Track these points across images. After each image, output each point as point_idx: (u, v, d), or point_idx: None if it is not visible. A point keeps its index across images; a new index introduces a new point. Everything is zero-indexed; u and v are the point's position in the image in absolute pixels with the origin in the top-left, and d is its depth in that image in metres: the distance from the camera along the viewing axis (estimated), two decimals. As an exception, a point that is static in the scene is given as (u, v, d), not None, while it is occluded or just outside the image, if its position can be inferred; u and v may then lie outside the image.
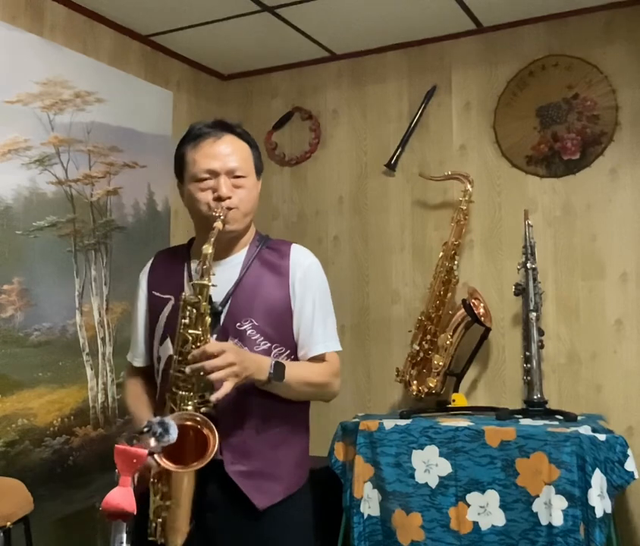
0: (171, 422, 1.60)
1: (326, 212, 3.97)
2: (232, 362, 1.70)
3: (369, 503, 3.14)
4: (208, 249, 1.75)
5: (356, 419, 3.30)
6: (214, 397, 1.69)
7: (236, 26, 3.52)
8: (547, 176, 3.51)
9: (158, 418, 1.60)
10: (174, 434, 1.58)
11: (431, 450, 3.06)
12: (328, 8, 3.36)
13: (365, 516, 3.13)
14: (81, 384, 3.17)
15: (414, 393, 3.44)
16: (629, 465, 2.82)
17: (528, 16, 3.50)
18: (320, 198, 3.99)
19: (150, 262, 2.05)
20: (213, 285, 1.77)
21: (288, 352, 1.89)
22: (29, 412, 2.92)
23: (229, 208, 1.85)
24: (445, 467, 3.02)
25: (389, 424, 3.15)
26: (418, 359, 3.45)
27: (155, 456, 1.63)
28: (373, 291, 3.84)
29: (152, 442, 1.58)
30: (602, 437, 2.86)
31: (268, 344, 1.85)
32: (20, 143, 2.93)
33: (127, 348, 2.07)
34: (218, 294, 1.82)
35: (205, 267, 1.75)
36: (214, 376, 1.68)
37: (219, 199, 1.85)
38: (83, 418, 3.16)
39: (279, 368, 1.80)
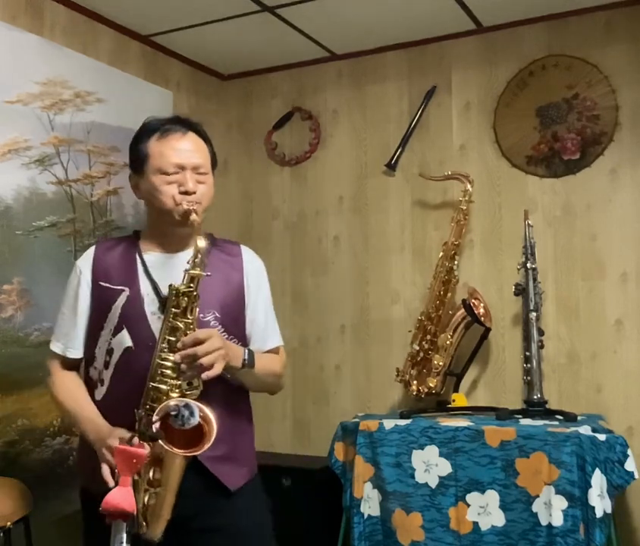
0: (195, 406, 1.66)
1: (326, 212, 3.97)
2: (219, 346, 1.78)
3: (369, 503, 3.14)
4: (202, 241, 1.82)
5: (356, 419, 3.30)
6: (205, 375, 1.76)
7: (236, 26, 3.52)
8: (547, 176, 3.51)
9: (183, 402, 1.67)
10: (197, 417, 1.66)
11: (431, 450, 3.06)
12: (328, 8, 3.36)
13: (365, 516, 3.13)
14: (81, 384, 3.16)
15: (414, 393, 3.44)
16: (629, 465, 2.82)
17: (528, 16, 3.50)
18: (320, 198, 3.99)
19: (92, 251, 2.04)
20: (208, 275, 1.83)
21: (240, 344, 1.97)
22: (29, 412, 2.92)
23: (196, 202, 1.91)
24: (445, 467, 3.02)
25: (389, 424, 3.15)
26: (418, 359, 3.45)
27: (161, 442, 1.67)
28: (373, 291, 3.84)
29: (178, 424, 1.64)
30: (602, 437, 2.86)
31: (227, 336, 1.92)
32: (20, 143, 2.93)
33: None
34: None
35: (197, 259, 1.81)
36: (206, 360, 1.75)
37: (186, 193, 1.90)
38: (83, 418, 3.16)
39: (251, 356, 1.91)
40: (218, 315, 1.93)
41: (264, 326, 2.06)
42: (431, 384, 3.39)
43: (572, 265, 3.45)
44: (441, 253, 3.51)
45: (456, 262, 3.48)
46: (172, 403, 1.69)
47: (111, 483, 1.74)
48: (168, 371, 1.78)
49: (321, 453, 3.55)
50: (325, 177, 3.99)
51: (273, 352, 2.08)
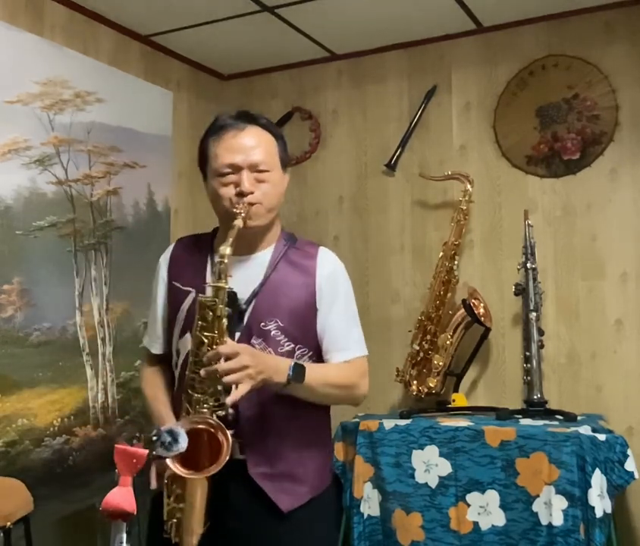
0: (181, 431, 1.56)
1: (326, 212, 3.97)
2: (246, 365, 1.65)
3: (369, 503, 3.13)
4: (225, 249, 1.69)
5: (356, 419, 3.30)
6: (229, 400, 1.66)
7: (236, 26, 3.52)
8: (547, 176, 3.51)
9: (167, 427, 1.56)
10: (183, 444, 1.55)
11: (431, 450, 3.06)
12: (328, 8, 3.35)
13: (365, 516, 3.13)
14: (81, 384, 3.16)
15: (414, 393, 3.44)
16: (629, 465, 2.83)
17: (528, 16, 3.50)
18: (320, 198, 3.98)
19: (171, 249, 1.98)
20: (229, 288, 1.70)
21: (310, 353, 1.85)
22: (29, 412, 2.92)
23: (251, 204, 1.79)
24: (445, 467, 3.02)
25: (389, 424, 3.15)
26: (418, 359, 3.45)
27: (168, 461, 1.60)
28: (373, 291, 3.84)
29: (161, 451, 1.55)
30: (602, 437, 2.86)
31: (292, 345, 1.82)
32: (20, 143, 2.93)
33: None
34: (242, 292, 1.78)
35: (221, 267, 1.68)
36: (227, 379, 1.64)
37: (241, 194, 1.79)
38: (83, 418, 3.16)
39: (299, 370, 1.75)
40: (281, 323, 1.80)
41: (339, 336, 1.87)
42: (431, 384, 3.39)
43: (572, 265, 3.45)
44: (441, 253, 3.51)
45: (456, 262, 3.48)
46: (155, 428, 1.61)
47: (153, 484, 1.70)
48: (198, 385, 1.69)
49: (321, 453, 3.54)
50: (325, 177, 3.99)
51: (351, 363, 1.89)
